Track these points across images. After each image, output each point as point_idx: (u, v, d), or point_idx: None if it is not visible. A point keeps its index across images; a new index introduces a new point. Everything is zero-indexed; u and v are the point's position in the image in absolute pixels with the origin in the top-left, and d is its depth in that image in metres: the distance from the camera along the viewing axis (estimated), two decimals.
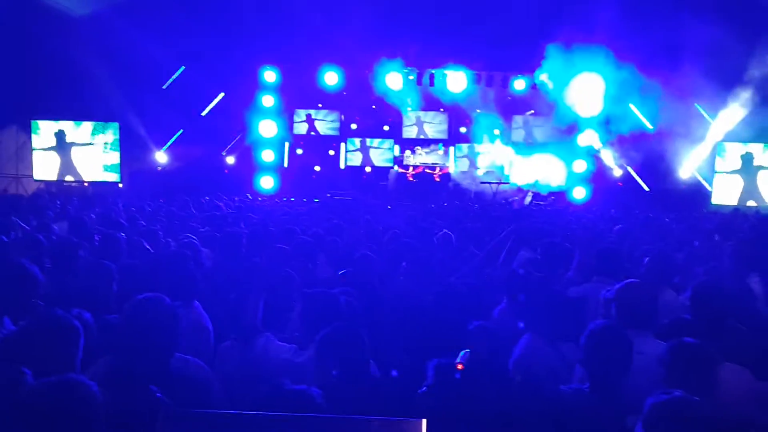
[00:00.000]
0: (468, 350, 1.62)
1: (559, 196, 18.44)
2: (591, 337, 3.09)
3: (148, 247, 6.24)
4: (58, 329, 2.77)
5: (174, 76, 18.63)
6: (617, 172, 19.59)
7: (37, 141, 18.26)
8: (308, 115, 21.11)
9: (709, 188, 18.37)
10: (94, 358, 2.96)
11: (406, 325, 4.01)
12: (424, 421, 1.58)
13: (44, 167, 18.39)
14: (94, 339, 3.06)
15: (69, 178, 18.52)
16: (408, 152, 19.95)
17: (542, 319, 3.70)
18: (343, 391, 2.49)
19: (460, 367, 1.64)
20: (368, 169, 21.21)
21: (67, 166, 18.48)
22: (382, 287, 4.85)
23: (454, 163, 20.57)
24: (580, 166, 18.65)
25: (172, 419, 1.61)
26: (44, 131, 18.32)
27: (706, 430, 2.29)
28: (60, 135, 18.35)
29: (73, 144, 18.43)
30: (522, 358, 3.53)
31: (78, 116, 18.33)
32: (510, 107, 20.32)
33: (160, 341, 2.87)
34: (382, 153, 21.25)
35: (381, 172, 20.92)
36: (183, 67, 18.57)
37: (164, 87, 18.61)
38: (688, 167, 18.54)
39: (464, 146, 20.89)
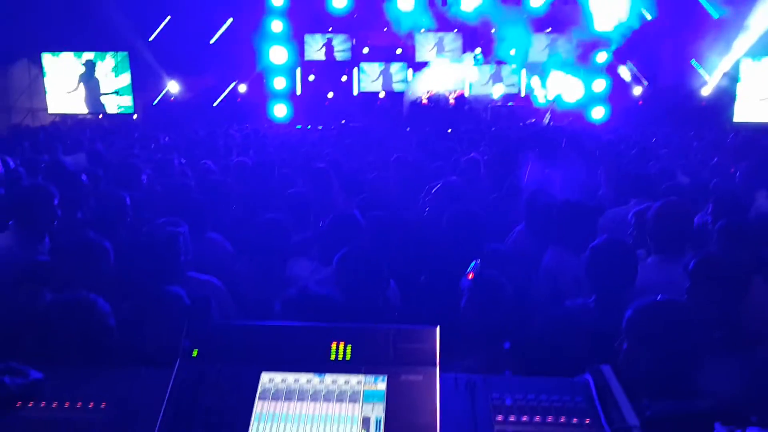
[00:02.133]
0: (478, 260, 1.65)
1: (578, 116, 18.10)
2: (596, 251, 3.10)
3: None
4: (88, 250, 2.87)
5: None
6: (637, 91, 19.12)
7: (50, 73, 18.18)
8: (329, 40, 20.67)
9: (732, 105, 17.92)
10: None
11: (424, 247, 4.05)
12: (438, 329, 1.63)
13: (59, 100, 18.38)
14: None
15: (83, 110, 18.52)
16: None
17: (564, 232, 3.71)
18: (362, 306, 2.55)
19: (470, 276, 1.67)
20: (382, 94, 20.90)
21: (83, 97, 18.48)
22: (401, 211, 4.87)
23: (468, 85, 20.17)
24: (599, 85, 18.19)
25: (194, 331, 1.67)
26: (57, 64, 18.21)
27: (688, 330, 2.30)
28: (87, 65, 18.32)
29: (87, 75, 18.37)
30: (547, 270, 3.57)
31: (87, 47, 18.12)
32: (528, 25, 19.69)
33: (162, 262, 3.00)
34: (395, 77, 20.89)
35: (395, 97, 20.60)
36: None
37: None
38: (710, 83, 18.02)
39: (476, 68, 20.43)
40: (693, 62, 17.05)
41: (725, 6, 15.98)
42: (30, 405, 1.61)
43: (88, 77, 18.43)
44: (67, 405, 1.61)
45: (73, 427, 1.53)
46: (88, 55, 18.28)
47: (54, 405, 1.61)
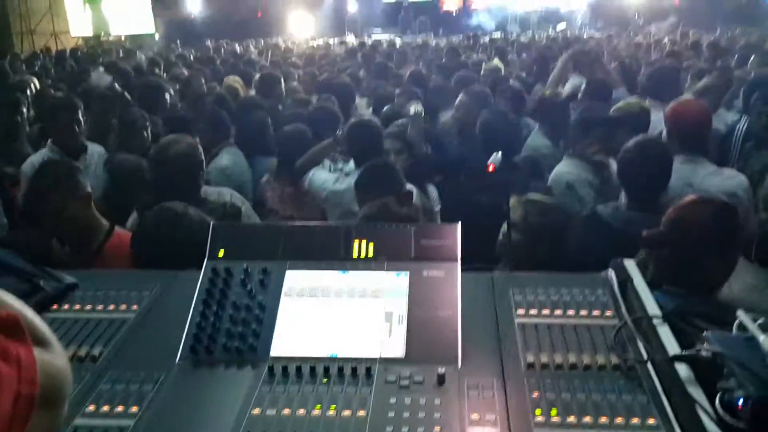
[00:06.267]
0: (500, 152, 1.63)
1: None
2: (629, 151, 3.03)
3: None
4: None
5: None
6: None
7: None
8: None
9: None
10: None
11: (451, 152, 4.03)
12: (459, 224, 1.63)
13: (81, 22, 18.13)
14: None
15: (107, 31, 18.29)
16: None
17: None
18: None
19: (491, 168, 1.65)
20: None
21: (101, 17, 18.16)
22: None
23: None
24: None
25: (220, 232, 1.69)
26: None
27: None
28: None
29: None
30: (559, 174, 3.54)
31: None
32: None
33: (185, 175, 3.04)
34: None
35: (418, 7, 19.98)
36: None
37: None
38: None
39: None
40: None
41: None
42: (65, 308, 1.68)
43: None
44: (100, 308, 1.67)
45: (105, 328, 1.58)
46: None
47: (88, 307, 1.68)
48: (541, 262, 2.40)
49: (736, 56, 7.91)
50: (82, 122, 3.82)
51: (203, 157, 3.18)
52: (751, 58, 7.18)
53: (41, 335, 0.77)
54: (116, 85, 6.20)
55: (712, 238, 2.24)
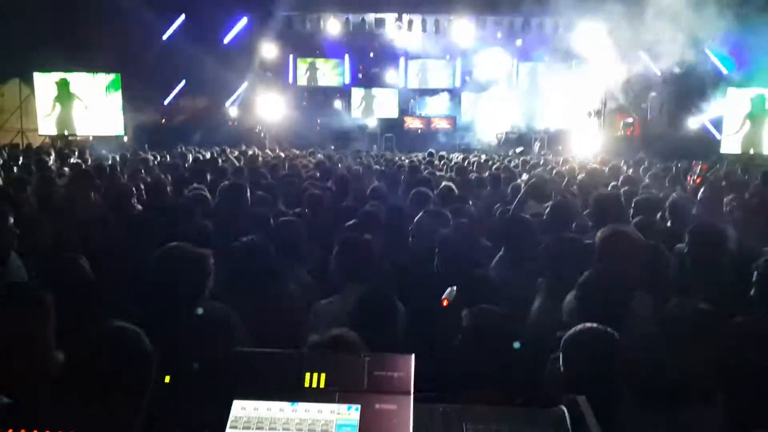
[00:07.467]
0: (455, 287, 1.64)
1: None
2: (586, 285, 3.10)
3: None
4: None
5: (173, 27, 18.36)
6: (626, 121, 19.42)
7: (40, 94, 18.13)
8: (311, 64, 20.92)
9: (718, 137, 18.11)
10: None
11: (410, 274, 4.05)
12: (413, 356, 1.62)
13: (49, 121, 18.30)
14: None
15: (73, 131, 18.45)
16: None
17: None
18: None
19: (445, 303, 1.66)
20: (372, 121, 21.06)
21: (69, 118, 18.38)
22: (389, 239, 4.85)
23: (460, 112, 20.40)
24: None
25: (167, 358, 1.65)
26: (46, 83, 18.13)
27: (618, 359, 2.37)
28: (62, 85, 18.18)
29: (75, 95, 18.30)
30: (533, 316, 3.56)
31: (78, 68, 18.13)
32: (518, 53, 20.05)
33: (189, 287, 2.97)
34: (386, 103, 21.07)
35: (385, 122, 20.77)
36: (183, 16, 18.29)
37: (164, 38, 18.36)
38: (697, 114, 18.26)
39: (466, 95, 20.73)
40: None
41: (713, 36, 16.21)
42: None
43: (66, 98, 18.28)
44: None
45: None
46: (71, 75, 18.18)
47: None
48: (489, 366, 2.39)
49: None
50: (13, 229, 3.68)
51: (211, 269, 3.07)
52: (701, 190, 7.59)
53: None
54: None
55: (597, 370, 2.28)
